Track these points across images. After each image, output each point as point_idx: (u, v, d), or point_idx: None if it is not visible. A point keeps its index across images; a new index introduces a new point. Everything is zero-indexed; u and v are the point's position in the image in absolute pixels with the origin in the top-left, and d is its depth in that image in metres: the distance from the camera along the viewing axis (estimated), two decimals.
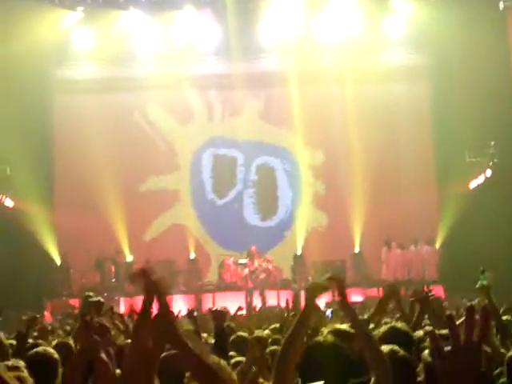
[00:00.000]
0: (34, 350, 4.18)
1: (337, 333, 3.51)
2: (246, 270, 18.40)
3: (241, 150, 21.57)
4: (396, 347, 3.43)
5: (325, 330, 3.86)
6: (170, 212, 20.99)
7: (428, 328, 5.83)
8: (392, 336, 3.84)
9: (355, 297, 18.14)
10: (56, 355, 4.09)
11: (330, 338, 3.29)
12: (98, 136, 19.74)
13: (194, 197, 21.42)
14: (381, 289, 17.58)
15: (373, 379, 3.08)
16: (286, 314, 8.20)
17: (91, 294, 11.09)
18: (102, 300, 7.44)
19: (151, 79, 20.15)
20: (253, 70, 20.96)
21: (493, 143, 18.50)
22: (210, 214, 21.09)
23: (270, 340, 7.04)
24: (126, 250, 19.97)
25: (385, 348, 3.42)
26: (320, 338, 3.35)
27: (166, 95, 20.95)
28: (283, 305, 16.86)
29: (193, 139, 21.46)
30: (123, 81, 20.38)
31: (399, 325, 4.24)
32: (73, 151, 20.12)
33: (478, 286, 5.21)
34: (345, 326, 4.05)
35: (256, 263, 18.65)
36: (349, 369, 3.10)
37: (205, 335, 7.30)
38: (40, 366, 3.79)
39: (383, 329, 4.14)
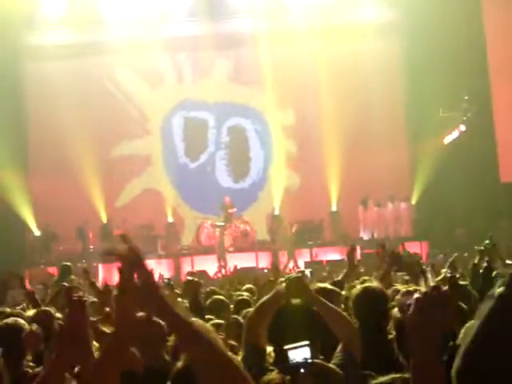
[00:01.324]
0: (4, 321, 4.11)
1: (321, 291, 3.56)
2: (218, 232, 18.40)
3: (211, 112, 21.43)
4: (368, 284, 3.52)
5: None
6: (142, 177, 20.90)
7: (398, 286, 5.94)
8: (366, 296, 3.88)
9: (334, 255, 18.30)
10: (27, 326, 4.01)
11: (298, 301, 3.32)
12: (70, 102, 19.53)
13: (165, 161, 21.32)
14: (359, 247, 17.73)
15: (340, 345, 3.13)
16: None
17: (68, 263, 11.10)
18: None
19: (121, 43, 19.85)
20: (222, 30, 20.70)
21: (466, 97, 18.55)
22: (183, 177, 21.03)
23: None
24: (103, 215, 19.94)
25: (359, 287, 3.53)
26: (289, 302, 3.37)
27: (136, 59, 20.66)
28: (261, 265, 17.15)
29: (163, 103, 21.26)
30: (93, 46, 20.03)
31: (373, 284, 4.28)
32: (45, 117, 19.88)
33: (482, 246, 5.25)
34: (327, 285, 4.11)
35: (233, 225, 18.71)
36: (318, 330, 3.11)
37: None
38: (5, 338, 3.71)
39: (358, 290, 4.18)
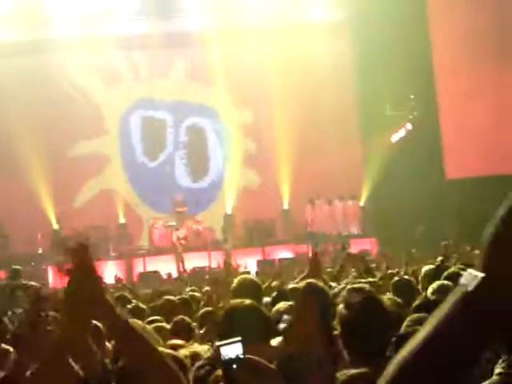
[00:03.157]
0: None
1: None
2: (174, 234, 18.35)
3: (169, 111, 21.40)
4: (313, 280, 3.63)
5: None
6: (99, 177, 20.72)
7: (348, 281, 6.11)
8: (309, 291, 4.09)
9: (286, 253, 18.52)
10: None
11: (247, 300, 3.44)
12: (23, 101, 19.24)
13: (124, 161, 21.19)
14: (310, 246, 17.98)
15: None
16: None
17: (18, 266, 11.03)
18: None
19: (74, 41, 19.63)
20: (173, 29, 20.67)
21: (412, 96, 18.94)
22: (141, 177, 20.92)
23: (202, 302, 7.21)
24: (53, 219, 19.67)
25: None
26: (237, 301, 3.50)
27: (90, 57, 20.52)
28: (214, 265, 17.17)
29: (120, 102, 21.14)
30: (45, 43, 19.71)
31: (315, 281, 4.51)
32: None
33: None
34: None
35: (185, 226, 18.66)
36: (267, 329, 3.25)
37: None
38: None
39: (301, 285, 4.42)
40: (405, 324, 3.66)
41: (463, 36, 18.64)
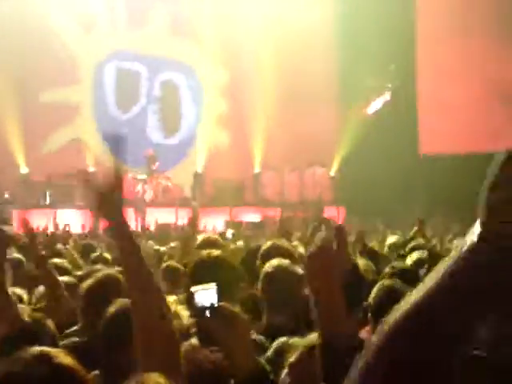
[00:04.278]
0: None
1: None
2: (140, 187, 18.23)
3: (145, 64, 21.06)
4: (282, 260, 3.62)
5: None
6: (70, 126, 20.39)
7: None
8: (274, 252, 4.08)
9: (254, 216, 18.51)
10: None
11: (215, 252, 3.43)
12: None
13: (95, 111, 20.84)
14: (279, 210, 17.98)
15: None
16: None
17: None
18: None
19: None
20: None
21: (393, 66, 18.88)
22: (112, 129, 20.60)
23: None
24: (22, 162, 19.40)
25: (272, 262, 3.63)
26: (205, 253, 3.48)
27: (69, 2, 20.08)
28: (180, 222, 17.12)
29: (96, 51, 20.70)
30: None
31: (280, 242, 4.50)
32: None
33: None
34: None
35: (154, 180, 18.55)
36: (235, 277, 3.25)
37: None
38: None
39: (265, 246, 4.39)
40: (375, 291, 3.64)
41: (449, 8, 18.51)
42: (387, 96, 19.11)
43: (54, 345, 2.83)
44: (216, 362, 1.95)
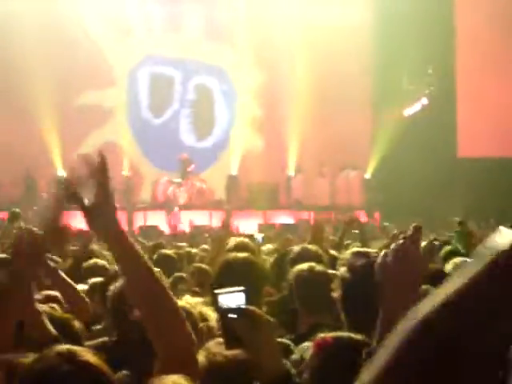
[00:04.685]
0: None
1: None
2: (171, 189, 18.33)
3: (178, 69, 21.13)
4: (313, 264, 3.58)
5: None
6: (104, 129, 20.49)
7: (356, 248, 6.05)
8: (303, 256, 4.04)
9: (287, 219, 18.46)
10: None
11: (242, 253, 3.40)
12: (36, 45, 18.84)
13: (129, 115, 20.98)
14: (312, 213, 17.91)
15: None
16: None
17: (17, 209, 10.99)
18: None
19: None
20: None
21: (430, 71, 18.68)
22: (146, 133, 20.77)
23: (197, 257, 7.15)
24: (59, 165, 19.64)
25: (303, 265, 3.59)
26: (233, 254, 3.45)
27: (106, 7, 20.26)
28: (214, 224, 17.17)
29: (130, 55, 20.83)
30: None
31: (310, 246, 4.45)
32: (7, 60, 19.29)
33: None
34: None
35: (189, 183, 18.65)
36: (262, 280, 3.21)
37: None
38: None
39: (296, 249, 4.35)
40: None
41: (489, 9, 18.20)
42: (425, 100, 18.91)
43: (80, 345, 2.81)
44: (241, 364, 1.93)
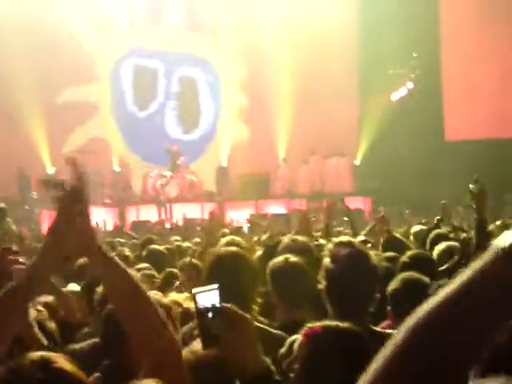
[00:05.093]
0: None
1: None
2: (159, 182, 18.29)
3: (162, 61, 21.00)
4: (288, 255, 3.55)
5: None
6: (89, 124, 20.38)
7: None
8: (292, 248, 4.00)
9: (279, 209, 18.44)
10: None
11: (231, 248, 3.38)
12: (18, 44, 18.76)
13: (114, 109, 20.82)
14: (304, 201, 17.90)
15: None
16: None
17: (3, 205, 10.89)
18: None
19: None
20: None
21: (415, 55, 18.67)
22: (131, 126, 20.65)
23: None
24: (48, 163, 19.55)
25: (278, 258, 3.56)
26: (224, 249, 3.43)
27: (86, 1, 20.12)
28: (206, 217, 17.13)
29: (113, 48, 20.66)
30: None
31: (299, 237, 4.42)
32: None
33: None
34: None
35: (180, 175, 18.59)
36: (253, 274, 3.18)
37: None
38: None
39: (285, 241, 4.31)
40: (394, 282, 3.55)
41: None
42: (411, 84, 18.90)
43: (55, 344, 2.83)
44: (213, 362, 1.91)
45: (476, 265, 0.86)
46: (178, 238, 9.76)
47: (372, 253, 3.00)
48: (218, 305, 1.79)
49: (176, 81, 21.24)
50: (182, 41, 20.91)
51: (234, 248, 3.51)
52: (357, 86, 20.37)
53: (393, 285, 3.53)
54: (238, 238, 5.34)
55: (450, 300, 0.86)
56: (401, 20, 18.08)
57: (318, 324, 2.14)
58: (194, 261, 5.36)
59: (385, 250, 5.45)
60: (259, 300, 3.24)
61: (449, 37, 18.77)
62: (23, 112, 18.81)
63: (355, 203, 17.86)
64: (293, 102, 19.72)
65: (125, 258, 5.81)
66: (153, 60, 21.04)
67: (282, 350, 2.64)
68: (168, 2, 20.76)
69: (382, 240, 6.06)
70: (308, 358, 2.06)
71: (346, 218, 8.25)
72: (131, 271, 1.98)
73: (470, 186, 4.49)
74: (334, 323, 2.17)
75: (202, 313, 1.78)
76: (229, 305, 1.79)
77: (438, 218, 7.17)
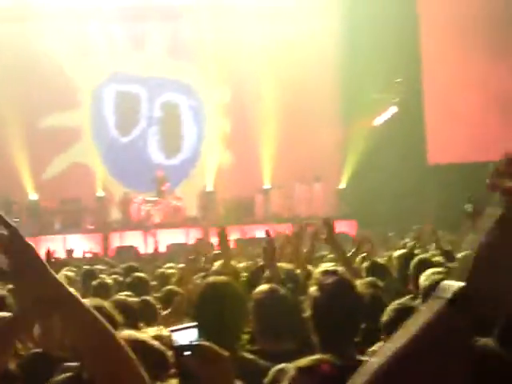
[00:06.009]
0: None
1: None
2: (143, 208, 18.22)
3: (144, 87, 21.00)
4: (274, 286, 3.52)
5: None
6: (71, 150, 20.31)
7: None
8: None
9: (262, 233, 18.37)
10: None
11: (222, 277, 3.37)
12: None
13: (95, 135, 20.76)
14: (290, 225, 17.85)
15: None
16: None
17: None
18: None
19: (52, 10, 19.31)
20: (157, 1, 20.34)
21: (398, 80, 18.82)
22: (113, 152, 20.58)
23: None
24: (30, 189, 19.43)
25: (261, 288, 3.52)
26: (212, 278, 3.41)
27: (67, 27, 20.07)
28: (191, 242, 17.05)
29: (94, 74, 20.60)
30: (23, 10, 19.35)
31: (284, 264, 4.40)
32: None
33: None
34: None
35: (165, 201, 18.52)
36: (242, 306, 3.16)
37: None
38: None
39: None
40: (386, 312, 3.56)
41: (452, 23, 18.62)
42: (394, 109, 19.04)
43: None
44: None
45: (422, 317, 0.92)
46: (161, 264, 9.65)
47: (357, 282, 3.00)
48: (195, 342, 1.77)
49: (158, 106, 21.25)
50: (164, 66, 20.94)
51: (224, 278, 3.49)
52: (340, 110, 20.46)
53: (386, 315, 3.55)
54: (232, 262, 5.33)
55: (400, 356, 0.91)
56: (384, 45, 18.23)
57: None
58: (175, 288, 5.30)
59: (368, 274, 5.43)
60: (248, 329, 3.21)
61: (431, 61, 18.98)
62: (4, 137, 18.72)
63: (340, 227, 17.88)
64: (276, 127, 19.78)
65: (107, 287, 5.74)
66: (135, 85, 21.03)
67: (266, 381, 2.62)
68: (150, 29, 20.81)
69: (365, 265, 6.03)
70: None
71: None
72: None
73: (465, 206, 4.54)
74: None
75: (179, 350, 1.75)
76: (206, 342, 1.76)
77: (407, 241, 7.14)
